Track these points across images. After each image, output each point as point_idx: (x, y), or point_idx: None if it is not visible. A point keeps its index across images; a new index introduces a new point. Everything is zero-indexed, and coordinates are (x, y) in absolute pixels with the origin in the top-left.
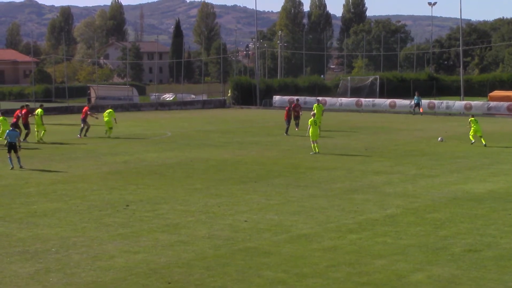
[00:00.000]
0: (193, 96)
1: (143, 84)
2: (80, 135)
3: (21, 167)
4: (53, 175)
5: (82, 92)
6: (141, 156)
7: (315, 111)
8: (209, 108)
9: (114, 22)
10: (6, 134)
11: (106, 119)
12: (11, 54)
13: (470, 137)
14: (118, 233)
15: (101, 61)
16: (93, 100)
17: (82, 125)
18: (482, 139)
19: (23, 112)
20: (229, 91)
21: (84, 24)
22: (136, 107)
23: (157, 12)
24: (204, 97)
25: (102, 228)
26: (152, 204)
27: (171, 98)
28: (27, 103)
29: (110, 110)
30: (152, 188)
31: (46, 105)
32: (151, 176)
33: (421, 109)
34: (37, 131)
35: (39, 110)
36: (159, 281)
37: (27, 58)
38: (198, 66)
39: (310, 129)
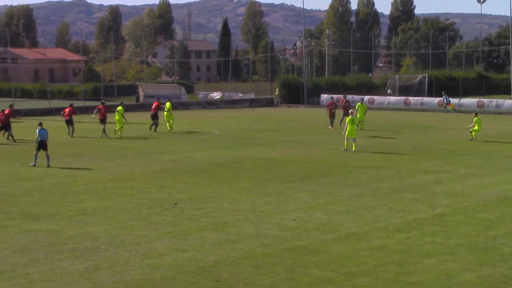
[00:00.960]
0: (240, 94)
1: (191, 82)
2: (154, 130)
3: (48, 165)
4: (103, 173)
5: (130, 90)
6: (190, 154)
7: (358, 110)
8: (256, 106)
9: (162, 21)
10: (37, 132)
11: (117, 117)
12: (61, 53)
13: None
14: (166, 231)
15: (149, 59)
16: (141, 98)
17: (153, 121)
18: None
19: (66, 110)
20: (277, 90)
21: (133, 23)
22: (184, 106)
23: (205, 10)
24: (252, 96)
25: (151, 226)
26: (201, 203)
27: (218, 97)
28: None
29: (120, 108)
30: (201, 187)
31: (94, 103)
32: (199, 175)
33: (450, 105)
34: (118, 128)
35: (120, 108)
36: (208, 279)
37: (76, 57)
38: (246, 64)
39: (348, 127)
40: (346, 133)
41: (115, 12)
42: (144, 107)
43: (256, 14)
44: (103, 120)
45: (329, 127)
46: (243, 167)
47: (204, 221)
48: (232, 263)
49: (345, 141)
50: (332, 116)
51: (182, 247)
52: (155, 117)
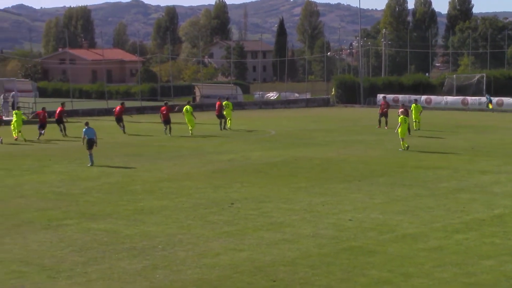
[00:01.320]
0: (296, 94)
1: (247, 82)
2: (223, 128)
3: (91, 164)
4: (159, 172)
5: (187, 91)
6: (246, 154)
7: (413, 111)
8: (312, 106)
9: (219, 21)
10: (83, 132)
11: (188, 117)
12: (118, 54)
13: None
14: (223, 231)
15: (206, 60)
16: (197, 99)
17: (220, 120)
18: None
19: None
20: (333, 90)
21: (189, 23)
22: (240, 106)
23: (261, 11)
24: (308, 96)
25: (207, 226)
26: (257, 203)
27: (275, 97)
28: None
29: (188, 107)
30: (257, 187)
31: (151, 104)
32: (255, 174)
33: (490, 105)
34: (191, 128)
35: (188, 107)
36: (264, 279)
37: (133, 58)
38: (302, 64)
39: (400, 127)
40: (399, 133)
41: (171, 13)
42: (201, 107)
43: (312, 14)
44: (166, 121)
45: (377, 126)
46: (300, 167)
47: (260, 221)
48: (289, 263)
49: (401, 142)
50: (384, 115)
51: (239, 246)
52: (119, 120)
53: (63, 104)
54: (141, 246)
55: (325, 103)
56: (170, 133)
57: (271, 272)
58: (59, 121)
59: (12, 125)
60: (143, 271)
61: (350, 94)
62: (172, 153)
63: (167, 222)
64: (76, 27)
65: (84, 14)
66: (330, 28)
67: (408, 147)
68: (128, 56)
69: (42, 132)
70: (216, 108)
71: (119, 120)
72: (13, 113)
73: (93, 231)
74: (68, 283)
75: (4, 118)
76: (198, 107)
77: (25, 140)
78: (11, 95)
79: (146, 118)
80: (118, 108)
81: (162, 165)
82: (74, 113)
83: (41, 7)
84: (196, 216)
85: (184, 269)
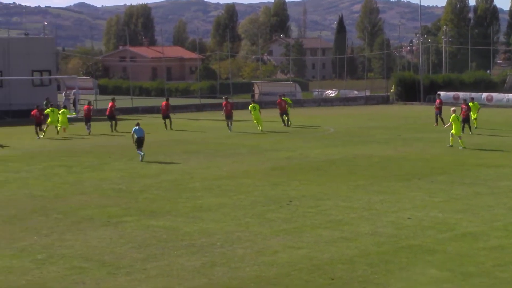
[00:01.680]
0: (355, 92)
1: (306, 80)
2: (287, 124)
3: (141, 159)
4: (218, 170)
5: (246, 88)
6: (304, 152)
7: (471, 109)
8: (372, 104)
9: (278, 19)
10: (133, 130)
11: (255, 115)
12: (178, 51)
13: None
14: (281, 229)
15: (265, 57)
16: (256, 96)
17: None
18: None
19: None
20: (393, 87)
21: (248, 21)
22: (299, 103)
23: (320, 8)
24: (367, 93)
25: (266, 224)
26: (315, 200)
27: (333, 94)
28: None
29: (254, 105)
30: (315, 184)
31: (210, 101)
32: (314, 172)
33: None
34: (260, 125)
35: (254, 105)
36: (322, 277)
37: (193, 55)
38: (361, 62)
39: (454, 126)
40: (454, 132)
41: (231, 10)
42: (259, 104)
43: (372, 11)
44: (228, 116)
45: (434, 124)
46: (358, 165)
47: (318, 219)
48: (347, 261)
49: (451, 137)
50: (437, 113)
51: (297, 244)
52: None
53: (113, 100)
54: (199, 243)
55: (385, 100)
56: (230, 128)
57: (329, 270)
58: (111, 117)
59: (51, 122)
60: (201, 268)
61: (410, 92)
62: (230, 151)
63: (225, 220)
64: (136, 25)
65: (144, 12)
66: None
67: (460, 147)
68: (187, 54)
69: (87, 127)
70: (280, 107)
71: (166, 116)
72: (50, 110)
73: (152, 228)
74: (127, 279)
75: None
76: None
77: (57, 134)
78: (72, 93)
79: (205, 116)
80: (164, 104)
81: (221, 162)
82: (134, 111)
83: (102, 5)
84: (254, 214)
85: (242, 266)
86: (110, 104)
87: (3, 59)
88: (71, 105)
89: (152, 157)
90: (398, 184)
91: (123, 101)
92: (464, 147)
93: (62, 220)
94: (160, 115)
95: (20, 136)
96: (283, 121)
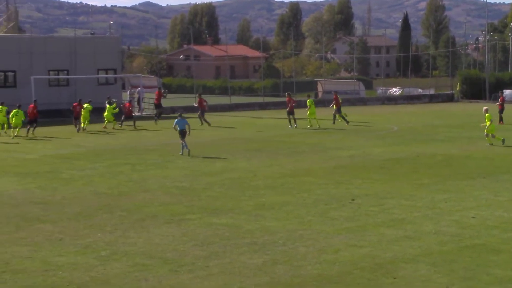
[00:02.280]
0: (420, 90)
1: (370, 78)
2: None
3: (188, 153)
4: (281, 168)
5: (309, 86)
6: (367, 150)
7: None
8: (436, 102)
9: (342, 17)
10: (175, 122)
11: (311, 109)
12: (242, 50)
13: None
14: (343, 227)
15: (329, 55)
16: (320, 94)
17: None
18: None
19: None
20: (458, 85)
21: (312, 19)
22: (362, 102)
23: (385, 6)
24: (432, 91)
25: (328, 222)
26: (378, 199)
27: (398, 92)
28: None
29: (310, 99)
30: (378, 183)
31: (274, 99)
32: (377, 171)
33: None
34: (314, 120)
35: (310, 100)
36: (385, 276)
37: (256, 54)
38: (426, 60)
39: (488, 125)
40: (488, 130)
41: (295, 9)
42: (323, 103)
43: (437, 8)
44: (290, 112)
45: (499, 123)
46: (422, 163)
47: (381, 217)
48: (410, 260)
49: (487, 137)
50: (500, 111)
51: (359, 243)
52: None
53: (160, 89)
54: (261, 241)
55: (449, 98)
56: (295, 124)
57: (391, 269)
58: (158, 106)
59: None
60: (263, 266)
61: (475, 90)
62: (293, 149)
63: (287, 218)
64: (201, 24)
65: (209, 10)
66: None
67: (492, 144)
68: (251, 52)
69: (120, 123)
70: (337, 103)
71: (203, 112)
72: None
73: (215, 225)
74: (189, 276)
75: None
76: (320, 103)
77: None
78: (137, 91)
79: (268, 114)
80: (199, 100)
81: (283, 160)
82: (197, 109)
83: (167, 4)
84: (317, 212)
85: (304, 264)
86: (156, 92)
87: (69, 58)
88: (136, 103)
89: (215, 155)
90: (463, 183)
91: (187, 100)
92: (491, 144)
93: (126, 217)
94: (222, 113)
95: (85, 134)
96: (343, 118)
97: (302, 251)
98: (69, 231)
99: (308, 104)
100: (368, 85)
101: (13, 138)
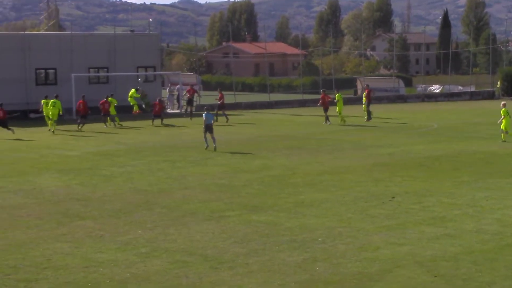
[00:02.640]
0: (460, 87)
1: (410, 75)
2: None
3: (215, 148)
4: (320, 165)
5: (348, 83)
6: (407, 148)
7: None
8: (477, 99)
9: (381, 14)
10: (204, 116)
11: (339, 106)
12: (281, 47)
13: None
14: (383, 225)
15: (368, 52)
16: (359, 91)
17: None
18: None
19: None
20: (499, 82)
21: (352, 16)
22: (402, 99)
23: (425, 2)
24: (472, 89)
25: (368, 219)
26: (418, 197)
27: (438, 90)
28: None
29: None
30: (418, 180)
31: (312, 97)
32: (417, 168)
33: None
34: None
35: (338, 95)
36: (425, 274)
37: (295, 51)
38: (466, 57)
39: (504, 120)
40: (503, 126)
41: (334, 6)
42: (362, 100)
43: (478, 5)
44: (325, 109)
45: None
46: (462, 161)
47: (421, 215)
48: (451, 258)
49: (502, 134)
50: None
51: (399, 241)
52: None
53: (192, 86)
54: (301, 238)
55: (490, 96)
56: (328, 120)
57: (432, 267)
58: (189, 102)
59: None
60: (303, 264)
61: None
62: (332, 146)
63: (327, 215)
64: (239, 21)
65: (247, 8)
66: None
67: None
68: (290, 50)
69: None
70: (368, 98)
71: (221, 107)
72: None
73: (254, 222)
74: (229, 274)
75: (169, 111)
76: (359, 100)
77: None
78: (176, 88)
79: (307, 111)
80: (220, 95)
81: (323, 158)
82: (236, 106)
83: (206, 2)
84: (357, 210)
85: (344, 262)
86: (188, 89)
87: (109, 55)
88: (175, 100)
89: (255, 152)
90: (504, 181)
91: (225, 97)
92: (504, 141)
93: (166, 214)
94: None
95: (125, 131)
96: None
97: (341, 248)
98: (109, 227)
99: (336, 98)
100: (408, 83)
101: (53, 131)
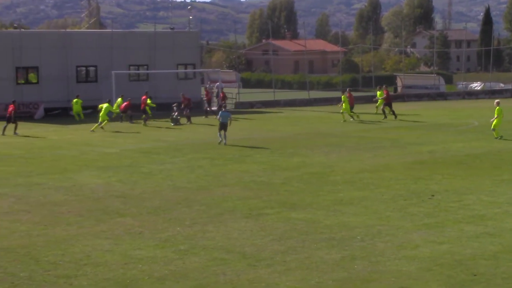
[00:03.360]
0: (502, 84)
1: (450, 72)
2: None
3: (225, 143)
4: (359, 163)
5: (388, 81)
6: (447, 145)
7: None
8: None
9: (422, 11)
10: (219, 115)
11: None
12: (320, 44)
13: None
14: (423, 223)
15: (408, 50)
16: (399, 89)
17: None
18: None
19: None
20: None
21: (392, 13)
22: (442, 96)
23: None
24: None
25: (407, 218)
26: (458, 195)
27: (479, 87)
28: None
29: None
30: (458, 178)
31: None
32: (456, 166)
33: None
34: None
35: (381, 92)
36: (464, 272)
37: (335, 48)
38: (508, 54)
39: (497, 119)
40: (493, 124)
41: (374, 3)
42: (402, 97)
43: None
44: (352, 107)
45: None
46: (503, 159)
47: (461, 213)
48: (490, 257)
49: (493, 132)
50: None
51: (439, 239)
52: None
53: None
54: (339, 236)
55: None
56: (353, 118)
57: (471, 265)
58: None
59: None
60: (341, 261)
61: None
62: (371, 144)
63: (366, 213)
64: (279, 18)
65: (287, 5)
66: None
67: (502, 137)
68: (330, 47)
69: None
70: (388, 97)
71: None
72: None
73: (292, 220)
74: (267, 271)
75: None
76: (399, 98)
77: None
78: (215, 86)
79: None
80: (223, 95)
81: (362, 156)
82: (275, 104)
83: None
84: (396, 208)
85: (382, 260)
86: (222, 95)
87: (149, 53)
88: (214, 98)
89: (294, 149)
90: None
91: (265, 94)
92: (498, 137)
93: (205, 211)
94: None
95: (165, 129)
96: (386, 113)
97: (380, 246)
98: (148, 224)
99: (342, 99)
100: (448, 80)
101: (95, 129)
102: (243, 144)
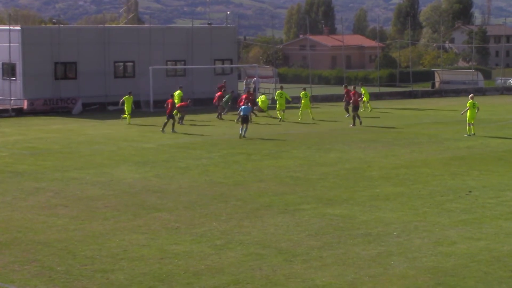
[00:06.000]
0: None
1: (489, 68)
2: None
3: (244, 136)
4: (396, 159)
5: (426, 76)
6: (485, 141)
7: None
8: None
9: (461, 6)
10: (240, 108)
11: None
12: (358, 40)
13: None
14: (460, 219)
15: (447, 45)
16: (437, 84)
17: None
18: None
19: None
20: None
21: (430, 8)
22: (480, 92)
23: None
24: None
25: (444, 214)
26: (496, 191)
27: None
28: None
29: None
30: (496, 175)
31: (389, 89)
32: (495, 162)
33: None
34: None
35: (305, 93)
36: (502, 269)
37: (373, 43)
38: None
39: (468, 112)
40: (468, 118)
41: None
42: (440, 93)
43: None
44: (355, 108)
45: None
46: None
47: (499, 210)
48: None
49: (468, 127)
50: None
51: (476, 235)
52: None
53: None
54: (376, 232)
55: None
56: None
57: (509, 262)
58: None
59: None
60: (377, 257)
61: None
62: (409, 140)
63: (402, 209)
64: (317, 14)
65: (325, 0)
66: None
67: (474, 134)
68: (367, 42)
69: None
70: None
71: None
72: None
73: (329, 216)
74: (303, 267)
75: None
76: (437, 93)
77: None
78: (252, 81)
79: (384, 104)
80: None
81: (399, 151)
82: (313, 99)
83: None
84: (433, 204)
85: (419, 256)
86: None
87: (186, 48)
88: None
89: (330, 145)
90: None
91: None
92: (469, 135)
93: (241, 207)
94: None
95: (202, 124)
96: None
97: (417, 242)
98: (185, 219)
99: (301, 96)
100: (487, 75)
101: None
102: (280, 139)
